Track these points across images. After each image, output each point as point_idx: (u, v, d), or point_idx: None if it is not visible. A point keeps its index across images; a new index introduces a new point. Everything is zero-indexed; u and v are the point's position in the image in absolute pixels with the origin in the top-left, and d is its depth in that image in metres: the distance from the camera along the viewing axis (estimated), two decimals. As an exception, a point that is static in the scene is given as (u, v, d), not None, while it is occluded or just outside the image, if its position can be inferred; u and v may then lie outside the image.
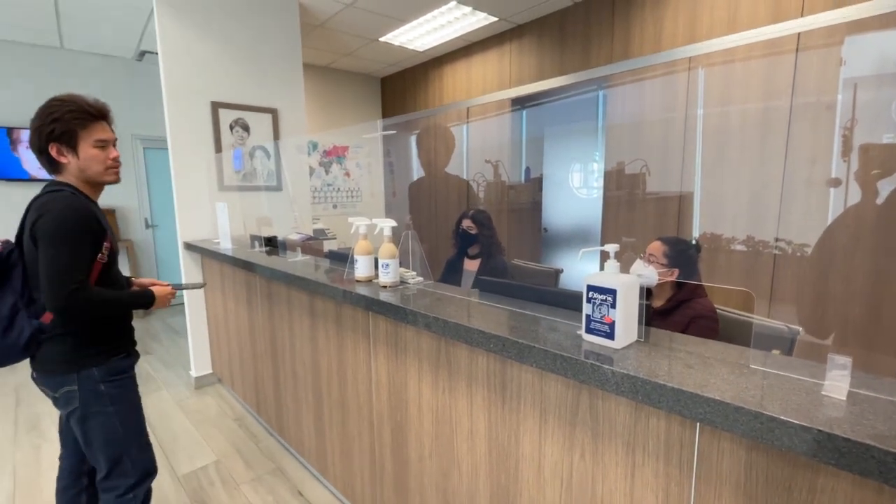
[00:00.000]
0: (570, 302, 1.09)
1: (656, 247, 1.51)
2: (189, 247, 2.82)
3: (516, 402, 1.03)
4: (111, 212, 4.47)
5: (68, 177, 1.22)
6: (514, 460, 1.07)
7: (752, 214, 2.63)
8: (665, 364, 0.78)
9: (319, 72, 4.93)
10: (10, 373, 3.25)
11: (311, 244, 2.62)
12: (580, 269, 1.77)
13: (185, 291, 2.89)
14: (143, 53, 4.32)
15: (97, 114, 1.23)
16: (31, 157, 4.00)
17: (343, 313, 1.59)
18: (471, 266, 2.25)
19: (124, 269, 3.22)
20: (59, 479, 1.42)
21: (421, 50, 4.36)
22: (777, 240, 2.58)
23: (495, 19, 3.67)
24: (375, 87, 5.44)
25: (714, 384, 0.70)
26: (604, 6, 3.22)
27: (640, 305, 0.87)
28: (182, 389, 2.97)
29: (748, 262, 2.66)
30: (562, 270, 2.31)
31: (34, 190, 1.23)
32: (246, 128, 3.00)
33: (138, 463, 1.32)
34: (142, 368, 3.32)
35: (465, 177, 4.43)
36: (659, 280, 1.46)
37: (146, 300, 1.33)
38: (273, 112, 3.12)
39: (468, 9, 3.45)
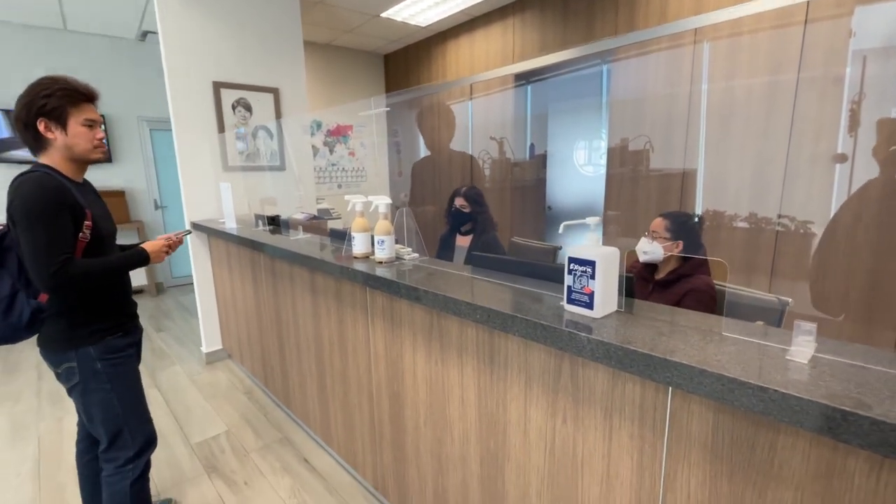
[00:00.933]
0: (556, 275, 1.11)
1: (658, 223, 1.53)
2: (196, 226, 2.88)
3: (503, 370, 1.08)
4: (120, 193, 4.55)
5: (52, 154, 1.22)
6: (501, 426, 1.12)
7: (754, 191, 2.61)
8: (640, 332, 0.81)
9: (321, 49, 4.89)
10: (31, 349, 3.39)
11: (314, 223, 2.66)
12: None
13: (193, 271, 2.97)
14: (145, 34, 4.32)
15: (88, 95, 1.24)
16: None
17: (342, 289, 1.64)
18: (463, 242, 2.28)
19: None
20: (77, 443, 1.52)
21: (423, 25, 4.29)
22: (780, 216, 2.56)
23: (498, -8, 3.59)
24: (378, 64, 5.38)
25: (683, 350, 0.73)
26: (609, -24, 3.12)
27: (621, 277, 0.89)
28: (194, 365, 3.08)
29: (750, 238, 2.65)
30: (560, 248, 2.33)
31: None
32: (248, 108, 3.02)
33: (137, 437, 1.37)
34: (156, 345, 3.44)
35: (470, 153, 4.41)
36: (665, 255, 1.48)
37: (140, 258, 1.34)
38: (274, 91, 3.12)
39: (470, -18, 3.38)
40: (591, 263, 0.85)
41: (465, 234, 2.35)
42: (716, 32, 2.62)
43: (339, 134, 5.11)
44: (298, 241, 2.02)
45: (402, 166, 5.19)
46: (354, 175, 5.33)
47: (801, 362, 0.67)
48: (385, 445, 1.60)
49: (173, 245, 1.52)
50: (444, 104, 3.54)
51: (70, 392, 1.32)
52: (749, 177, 2.61)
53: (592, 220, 0.88)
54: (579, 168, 3.90)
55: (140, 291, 4.83)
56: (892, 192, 2.09)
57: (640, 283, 1.62)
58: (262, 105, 3.08)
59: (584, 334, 0.81)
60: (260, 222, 2.52)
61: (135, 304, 1.46)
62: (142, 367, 3.11)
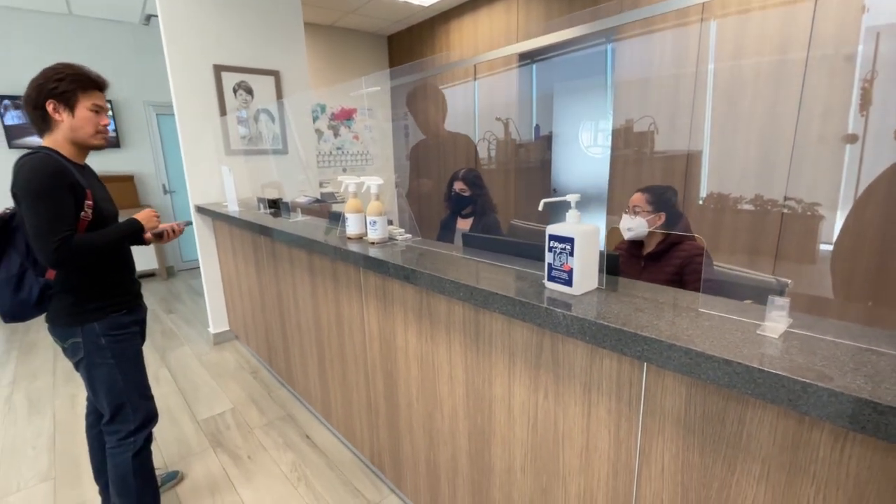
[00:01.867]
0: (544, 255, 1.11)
1: (638, 198, 1.52)
2: (200, 210, 2.92)
3: (488, 347, 1.09)
4: (129, 178, 4.61)
5: (56, 136, 1.26)
6: (487, 402, 1.14)
7: (761, 173, 2.55)
8: (616, 308, 0.81)
9: (324, 31, 4.84)
10: (45, 329, 3.51)
11: (314, 206, 2.68)
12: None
13: (199, 254, 3.02)
14: (149, 17, 4.32)
15: (98, 83, 1.30)
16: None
17: (338, 269, 1.66)
18: (464, 225, 2.29)
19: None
20: (86, 416, 1.58)
21: (426, 5, 4.21)
22: (786, 199, 2.51)
23: (502, -31, 3.50)
24: (382, 45, 5.32)
25: (656, 325, 0.73)
26: (615, -50, 3.03)
27: (602, 254, 0.90)
28: (202, 345, 3.16)
29: (755, 221, 2.61)
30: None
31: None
32: (249, 91, 3.02)
33: (138, 411, 1.42)
34: (165, 326, 3.53)
35: (475, 135, 4.37)
36: (649, 228, 1.47)
37: (132, 227, 1.38)
38: (276, 74, 3.11)
39: (472, -42, 3.30)
40: (570, 240, 0.85)
41: (465, 217, 2.35)
42: (724, 9, 2.53)
43: (343, 117, 5.09)
44: (297, 223, 2.04)
45: (410, 151, 5.17)
46: (360, 158, 5.32)
47: (772, 337, 0.68)
48: (381, 422, 1.64)
49: (176, 231, 1.57)
50: (434, 86, 3.49)
51: (77, 367, 1.38)
52: (755, 158, 2.55)
53: (573, 197, 0.88)
54: (585, 149, 3.85)
55: (151, 275, 4.93)
56: None
57: (629, 261, 1.61)
58: (263, 88, 3.08)
59: (560, 310, 0.82)
60: (261, 206, 2.54)
61: (138, 284, 1.51)
62: (151, 347, 3.20)
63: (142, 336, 1.50)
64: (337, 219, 1.99)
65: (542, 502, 1.06)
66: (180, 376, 2.72)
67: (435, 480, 1.42)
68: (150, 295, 4.27)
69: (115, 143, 4.51)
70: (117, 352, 1.37)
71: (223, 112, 2.93)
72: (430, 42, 4.73)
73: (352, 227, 1.55)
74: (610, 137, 3.29)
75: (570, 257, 0.86)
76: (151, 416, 1.47)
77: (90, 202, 1.27)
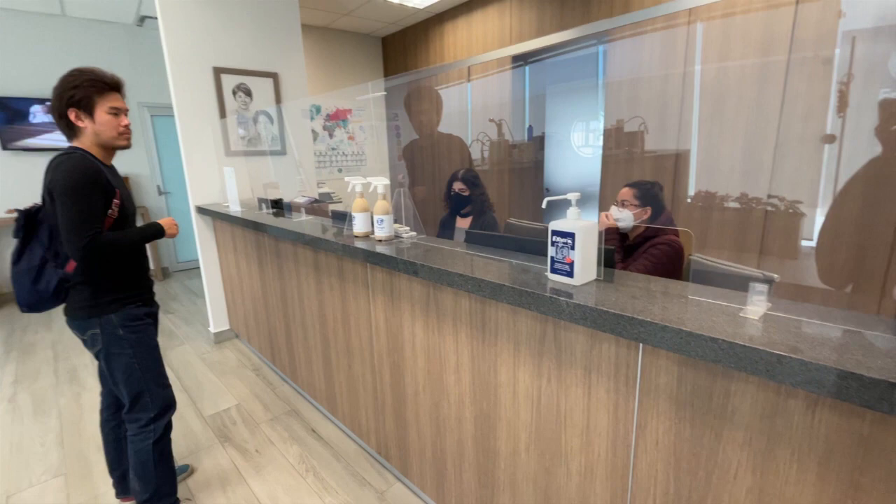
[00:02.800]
0: (543, 250, 1.19)
1: (626, 192, 1.62)
2: (201, 210, 2.96)
3: (494, 337, 1.17)
4: (124, 179, 4.61)
5: (84, 140, 1.34)
6: (493, 388, 1.21)
7: (746, 171, 2.67)
8: (614, 296, 0.89)
9: (319, 33, 4.88)
10: (46, 330, 3.52)
11: (315, 206, 2.73)
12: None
13: (200, 254, 3.06)
14: (143, 18, 4.32)
15: (112, 84, 1.36)
16: (39, 124, 4.12)
17: (344, 267, 1.72)
18: (462, 224, 2.36)
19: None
20: (101, 412, 1.63)
21: (421, 7, 4.28)
22: (770, 196, 2.62)
23: (495, -27, 3.58)
24: (377, 46, 5.37)
25: (651, 310, 0.81)
26: (606, -44, 3.12)
27: (599, 248, 0.97)
28: (203, 344, 3.19)
29: (741, 218, 2.72)
30: (553, 227, 2.40)
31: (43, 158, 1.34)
32: (248, 93, 3.06)
33: (157, 399, 1.48)
34: (164, 325, 3.56)
35: (468, 136, 4.44)
36: (636, 221, 1.56)
37: (154, 229, 1.48)
38: (274, 76, 3.16)
39: (467, -37, 3.37)
40: (571, 235, 0.93)
41: (464, 216, 2.42)
42: (709, 13, 2.64)
43: (338, 118, 5.14)
44: (302, 222, 2.10)
45: (402, 149, 5.22)
46: (354, 159, 5.37)
47: (753, 318, 0.76)
48: (387, 413, 1.71)
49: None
50: (431, 88, 3.57)
51: (96, 357, 1.44)
52: (740, 157, 2.66)
53: (573, 196, 0.96)
54: (577, 150, 3.95)
55: (147, 276, 4.93)
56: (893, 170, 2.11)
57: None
58: (262, 90, 3.13)
59: (563, 299, 0.89)
60: (263, 206, 2.59)
61: (151, 281, 1.57)
62: (153, 346, 3.19)
63: (155, 329, 1.56)
64: (339, 218, 2.05)
65: (545, 481, 1.14)
66: (183, 374, 2.75)
67: (441, 466, 1.49)
68: (147, 296, 4.28)
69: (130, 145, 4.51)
70: (134, 342, 1.43)
71: (223, 114, 2.97)
72: (424, 44, 4.79)
73: (359, 225, 1.61)
74: (601, 138, 3.39)
75: (571, 251, 0.94)
76: (170, 404, 1.53)
77: (118, 201, 1.35)
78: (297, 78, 3.28)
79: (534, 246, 1.26)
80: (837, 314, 0.77)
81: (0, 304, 4.14)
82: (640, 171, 3.11)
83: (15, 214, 1.35)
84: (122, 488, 1.67)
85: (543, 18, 3.63)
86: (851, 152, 2.32)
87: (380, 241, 1.53)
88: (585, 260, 0.95)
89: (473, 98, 4.38)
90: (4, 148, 4.01)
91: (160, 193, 4.96)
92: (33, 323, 3.69)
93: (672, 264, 1.53)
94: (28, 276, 1.31)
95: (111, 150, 1.40)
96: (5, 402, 2.49)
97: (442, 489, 1.52)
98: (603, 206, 3.31)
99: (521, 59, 3.99)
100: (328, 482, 1.80)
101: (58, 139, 4.14)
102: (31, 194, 4.08)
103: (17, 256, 1.33)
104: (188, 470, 1.88)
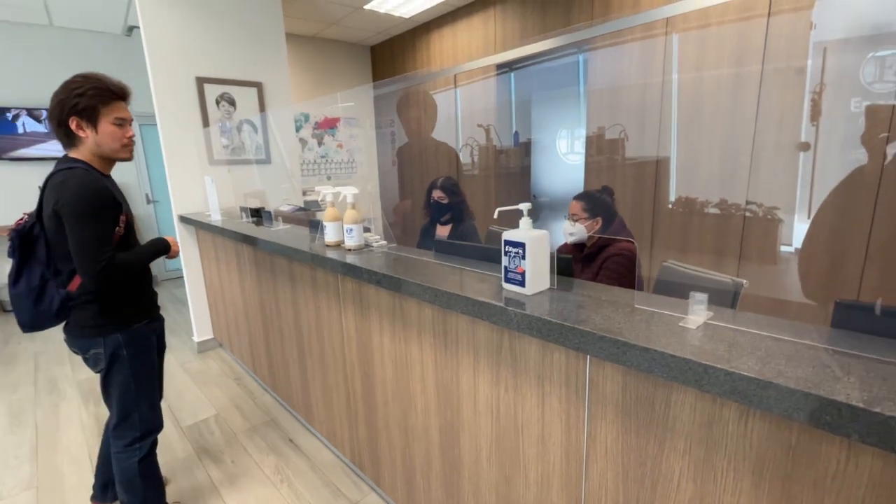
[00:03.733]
0: (505, 258, 1.20)
1: (574, 205, 1.63)
2: (183, 219, 2.95)
3: (455, 346, 1.17)
4: (112, 188, 4.60)
5: (83, 151, 1.26)
6: (455, 397, 1.21)
7: (724, 178, 2.69)
8: (561, 306, 0.90)
9: (307, 42, 4.91)
10: (29, 341, 3.49)
11: (295, 215, 2.74)
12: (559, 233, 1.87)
13: (183, 263, 3.06)
14: (131, 28, 4.34)
15: (119, 93, 1.28)
16: (28, 133, 4.12)
17: (317, 276, 1.72)
18: (442, 231, 2.37)
19: (125, 242, 3.37)
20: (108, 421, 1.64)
21: (407, 17, 4.32)
22: (748, 203, 2.65)
23: (478, -17, 3.62)
24: (365, 55, 5.41)
25: (593, 320, 0.82)
26: (585, -33, 3.17)
27: (552, 257, 0.98)
28: (186, 353, 3.18)
29: (721, 224, 2.74)
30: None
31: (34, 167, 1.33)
32: (232, 102, 3.07)
33: (145, 421, 1.46)
34: (149, 335, 3.54)
35: (458, 142, 4.47)
36: (589, 234, 1.57)
37: (161, 245, 1.47)
38: (258, 85, 3.18)
39: (450, -27, 3.42)
40: (522, 245, 0.93)
41: (444, 224, 2.43)
42: (685, 24, 2.68)
43: (326, 126, 5.16)
44: (278, 232, 2.10)
45: (395, 155, 5.24)
46: (345, 167, 5.38)
47: (691, 328, 0.77)
48: (360, 422, 1.70)
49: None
50: (426, 92, 3.60)
51: (97, 373, 1.41)
52: (719, 165, 2.69)
53: (524, 206, 0.97)
54: (562, 156, 3.98)
55: (134, 284, 4.91)
56: (880, 178, 2.12)
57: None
58: (246, 99, 3.14)
59: (512, 309, 0.90)
60: (244, 215, 2.60)
61: (156, 294, 1.56)
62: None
63: (160, 344, 1.56)
64: (317, 227, 2.06)
65: (506, 490, 1.14)
66: (164, 384, 2.73)
67: (411, 476, 1.49)
68: (134, 305, 4.26)
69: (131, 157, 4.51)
70: (136, 361, 1.40)
71: (206, 123, 2.98)
72: (412, 52, 4.83)
73: (330, 234, 1.62)
74: (584, 144, 3.41)
75: (522, 260, 0.95)
76: (156, 426, 1.52)
77: (124, 217, 1.32)
78: (282, 87, 3.30)
79: (498, 255, 1.26)
80: (775, 323, 0.77)
81: (-16, 315, 4.11)
82: (621, 177, 3.14)
83: (8, 234, 1.29)
84: (100, 495, 1.65)
85: (526, 27, 3.67)
86: (826, 159, 2.35)
87: (349, 250, 1.53)
88: (537, 269, 0.96)
89: (461, 104, 4.41)
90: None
91: (148, 202, 4.95)
92: (16, 333, 3.67)
93: (629, 273, 1.54)
94: (29, 298, 1.25)
95: (111, 161, 1.34)
96: (-18, 414, 2.47)
97: (412, 499, 1.51)
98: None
99: (505, 66, 4.03)
100: (302, 493, 1.79)
101: (48, 149, 4.14)
102: (17, 205, 4.08)
103: (16, 278, 1.26)
104: (164, 482, 1.86)
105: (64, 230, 1.20)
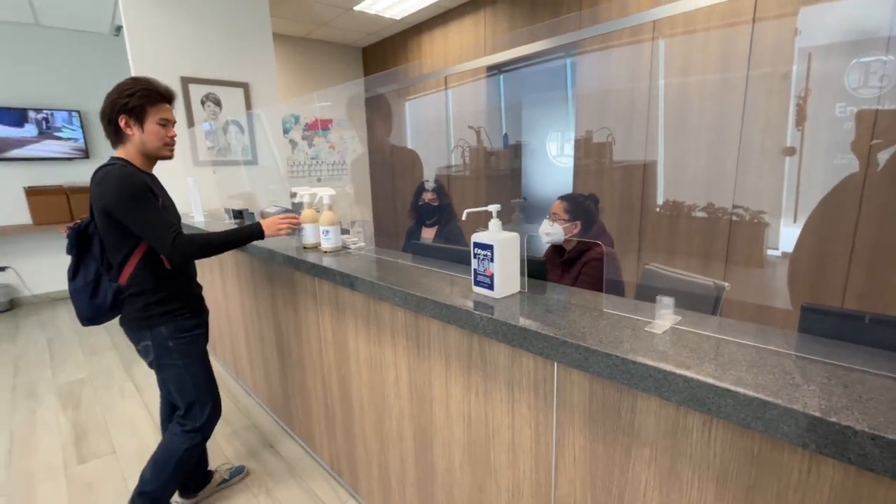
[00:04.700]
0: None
1: (557, 205, 1.62)
2: (167, 221, 2.91)
3: (427, 350, 1.15)
4: (98, 189, 4.55)
5: (128, 149, 1.33)
6: (428, 403, 1.19)
7: (711, 182, 2.69)
8: (529, 310, 0.88)
9: (297, 43, 4.89)
10: (10, 343, 3.43)
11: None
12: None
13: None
14: (118, 28, 4.30)
15: (166, 95, 1.37)
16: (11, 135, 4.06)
17: (295, 278, 1.70)
18: (428, 234, 2.35)
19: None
20: (160, 412, 1.70)
21: (398, 18, 4.31)
22: (734, 207, 2.64)
23: (468, -15, 3.62)
24: (357, 56, 5.39)
25: (558, 324, 0.80)
26: (574, -30, 3.17)
27: (522, 260, 0.96)
28: (169, 356, 3.13)
29: (707, 227, 2.74)
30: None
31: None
32: (217, 102, 3.05)
33: (206, 410, 1.51)
34: (133, 338, 3.49)
35: (449, 143, 4.46)
36: (566, 236, 1.56)
37: (252, 230, 1.42)
38: (244, 86, 3.15)
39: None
40: (490, 247, 0.91)
41: (430, 226, 2.41)
42: (671, 29, 2.68)
43: (316, 128, 5.13)
44: (259, 233, 2.07)
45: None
46: (336, 168, 5.35)
47: (657, 333, 0.75)
48: (338, 428, 1.67)
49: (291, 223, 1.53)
50: (381, 96, 3.57)
51: (150, 366, 1.48)
52: (705, 169, 2.69)
53: (494, 208, 0.95)
54: (552, 159, 3.97)
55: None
56: (864, 185, 2.11)
57: (553, 268, 1.70)
58: (232, 100, 3.11)
59: (478, 313, 0.88)
60: (227, 216, 2.57)
61: (200, 287, 1.57)
62: (118, 361, 3.15)
63: (205, 337, 1.56)
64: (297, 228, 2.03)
65: (479, 498, 1.11)
66: (145, 389, 2.69)
67: (387, 482, 1.46)
68: (119, 307, 4.21)
69: (84, 155, 4.46)
70: (185, 353, 1.44)
71: (191, 123, 2.95)
72: (404, 53, 4.82)
73: (308, 236, 1.59)
74: (573, 147, 3.41)
75: (490, 263, 0.93)
76: (216, 415, 1.56)
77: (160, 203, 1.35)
78: (269, 87, 3.27)
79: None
80: (742, 328, 0.76)
81: (-34, 317, 4.05)
82: (609, 180, 3.13)
83: (66, 231, 1.36)
84: (181, 488, 1.68)
85: (515, 29, 3.67)
86: (811, 164, 2.35)
87: (326, 252, 1.51)
88: (506, 272, 0.94)
89: (451, 106, 4.40)
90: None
91: (136, 203, 4.89)
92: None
93: (611, 274, 1.52)
94: (86, 292, 1.34)
95: (154, 159, 1.40)
96: (-44, 418, 2.41)
97: (389, 506, 1.48)
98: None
99: (495, 69, 4.03)
100: (280, 499, 1.75)
101: (38, 151, 4.09)
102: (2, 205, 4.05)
103: (74, 273, 1.35)
104: (245, 471, 1.88)
105: (112, 223, 1.27)
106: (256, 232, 1.44)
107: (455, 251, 1.30)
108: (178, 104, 2.90)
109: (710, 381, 0.58)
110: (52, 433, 2.26)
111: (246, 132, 3.23)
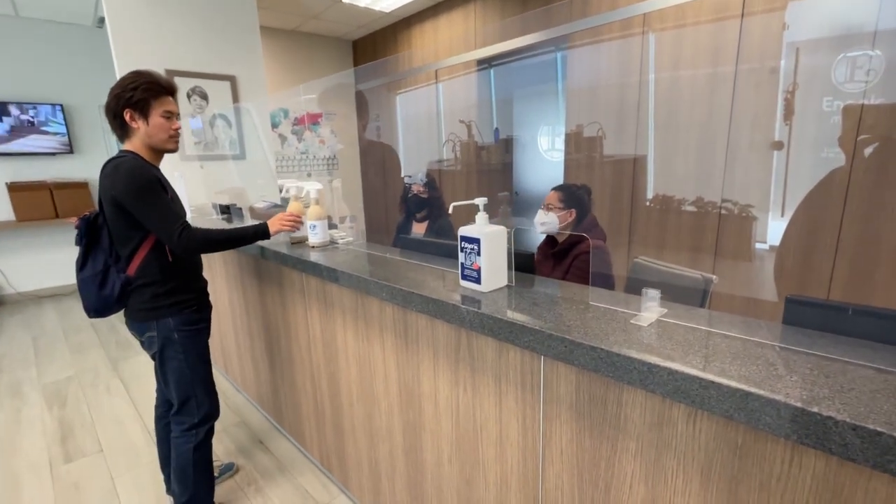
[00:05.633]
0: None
1: (552, 195, 1.62)
2: (153, 216, 2.87)
3: (416, 345, 1.14)
4: (83, 185, 4.47)
5: (135, 142, 1.34)
6: (417, 398, 1.18)
7: (700, 176, 2.70)
8: (516, 303, 0.87)
9: (287, 36, 4.82)
10: (-8, 342, 3.37)
11: (270, 212, 2.67)
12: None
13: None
14: (101, 20, 4.21)
15: (168, 88, 1.36)
16: (-4, 130, 3.97)
17: (283, 274, 1.68)
18: (419, 228, 2.34)
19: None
20: (156, 408, 1.67)
21: (388, 11, 4.26)
22: (723, 200, 2.66)
23: (458, -22, 3.58)
24: (347, 49, 5.33)
25: (544, 317, 0.79)
26: (565, -37, 3.15)
27: (509, 253, 0.96)
28: (158, 354, 3.09)
29: (697, 221, 2.75)
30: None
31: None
32: (204, 96, 3.00)
33: (203, 405, 1.49)
34: (121, 336, 3.44)
35: (441, 137, 4.44)
36: (560, 226, 1.56)
37: (258, 230, 1.42)
38: (231, 79, 3.10)
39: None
40: (477, 241, 0.91)
41: (420, 220, 2.40)
42: (661, 24, 2.68)
43: (305, 122, 5.07)
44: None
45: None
46: (326, 163, 5.30)
47: (643, 325, 0.75)
48: (327, 423, 1.66)
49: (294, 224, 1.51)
50: (359, 93, 3.54)
51: (152, 358, 1.46)
52: (695, 163, 2.70)
53: (481, 201, 0.94)
54: (543, 153, 3.97)
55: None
56: (859, 179, 2.12)
57: (545, 259, 1.70)
58: (218, 93, 3.06)
59: (465, 307, 0.87)
60: (214, 211, 2.53)
61: (205, 282, 1.56)
62: (105, 357, 3.11)
63: (208, 332, 1.55)
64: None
65: (467, 493, 1.11)
66: (133, 386, 2.66)
67: (377, 478, 1.46)
68: (106, 304, 4.15)
69: (67, 150, 4.37)
70: (188, 347, 1.43)
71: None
72: (394, 46, 4.78)
73: (295, 231, 1.57)
74: (564, 142, 3.41)
75: (477, 257, 0.92)
76: (213, 413, 1.54)
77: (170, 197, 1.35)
78: (256, 81, 3.22)
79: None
80: (727, 319, 0.76)
81: (-52, 315, 3.97)
82: (600, 174, 3.13)
83: (76, 222, 1.36)
84: (170, 486, 1.65)
85: (505, 23, 3.65)
86: (799, 158, 2.37)
87: (313, 247, 1.49)
88: (493, 266, 0.93)
89: (442, 100, 4.37)
90: (-47, 152, 3.85)
91: (123, 199, 4.82)
92: (-20, 334, 3.54)
93: (601, 268, 1.53)
94: (94, 283, 1.33)
95: (160, 152, 1.39)
96: (-63, 418, 2.37)
97: (378, 502, 1.48)
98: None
99: (485, 62, 4.01)
100: (270, 497, 1.74)
101: (21, 146, 4.00)
102: None
103: (82, 263, 1.35)
104: (234, 468, 1.87)
105: (121, 214, 1.27)
106: (262, 232, 1.44)
107: (444, 245, 1.29)
108: (164, 97, 2.85)
109: (693, 372, 0.58)
110: (38, 432, 2.23)
111: (234, 126, 3.18)
